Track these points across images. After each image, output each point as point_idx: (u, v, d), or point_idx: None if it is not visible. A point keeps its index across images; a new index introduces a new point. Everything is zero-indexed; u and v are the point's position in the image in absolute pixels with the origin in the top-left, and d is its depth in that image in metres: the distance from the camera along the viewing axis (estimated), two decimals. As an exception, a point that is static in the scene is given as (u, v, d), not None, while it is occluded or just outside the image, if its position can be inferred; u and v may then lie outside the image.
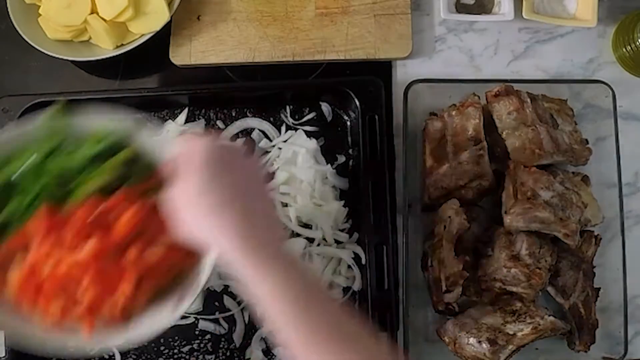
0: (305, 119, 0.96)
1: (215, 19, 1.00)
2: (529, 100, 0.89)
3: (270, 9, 1.00)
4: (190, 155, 0.61)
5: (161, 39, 0.98)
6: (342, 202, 0.92)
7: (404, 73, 1.00)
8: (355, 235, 0.92)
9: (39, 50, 0.92)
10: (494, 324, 0.84)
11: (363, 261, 0.89)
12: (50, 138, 0.70)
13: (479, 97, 0.91)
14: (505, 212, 0.85)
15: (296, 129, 0.95)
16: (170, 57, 0.99)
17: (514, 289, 0.85)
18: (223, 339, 0.90)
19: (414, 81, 0.94)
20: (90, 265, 0.63)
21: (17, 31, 0.93)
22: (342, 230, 0.92)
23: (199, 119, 0.96)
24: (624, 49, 0.97)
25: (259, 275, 0.57)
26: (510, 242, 0.85)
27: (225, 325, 0.90)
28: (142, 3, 0.93)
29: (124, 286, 0.64)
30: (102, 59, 0.94)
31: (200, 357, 0.89)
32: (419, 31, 1.01)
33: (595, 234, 0.91)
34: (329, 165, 0.94)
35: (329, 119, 0.97)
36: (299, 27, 0.99)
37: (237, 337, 0.90)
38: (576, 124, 0.93)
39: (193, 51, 0.99)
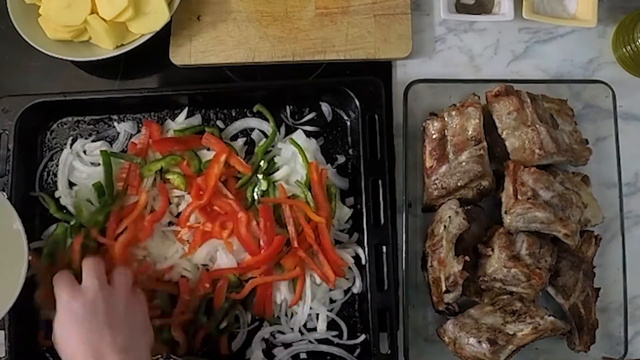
0: (305, 119, 0.96)
1: (215, 19, 1.00)
2: (529, 100, 0.89)
3: (270, 9, 1.00)
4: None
5: (161, 39, 0.98)
6: (349, 207, 0.93)
7: (404, 73, 1.00)
8: (355, 235, 0.92)
9: (39, 50, 0.92)
10: (494, 324, 0.84)
11: (363, 261, 0.89)
12: None
13: (479, 97, 0.91)
14: (505, 212, 0.85)
15: (296, 129, 0.95)
16: (170, 57, 0.99)
17: (514, 289, 0.85)
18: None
19: (414, 81, 0.94)
20: None
21: (17, 31, 0.93)
22: (342, 231, 0.92)
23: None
24: (624, 49, 0.97)
25: None
26: (510, 242, 0.85)
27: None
28: (142, 3, 0.93)
29: None
30: (102, 59, 0.94)
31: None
32: (419, 31, 1.01)
33: (595, 234, 0.91)
34: (329, 165, 0.94)
35: (329, 119, 0.97)
36: (299, 27, 0.99)
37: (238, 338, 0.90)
38: (576, 124, 0.93)
39: (193, 51, 0.99)
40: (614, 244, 0.92)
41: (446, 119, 0.91)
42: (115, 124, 0.96)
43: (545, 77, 1.00)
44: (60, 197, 0.92)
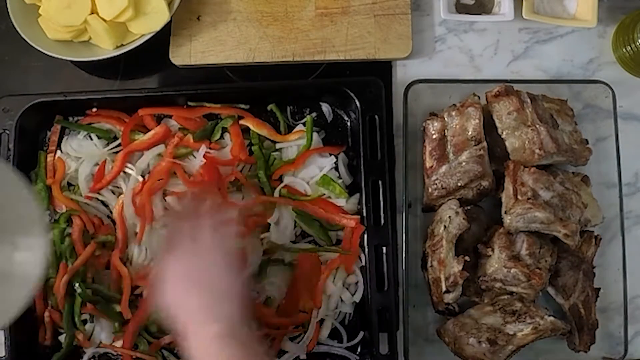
0: (305, 119, 0.96)
1: (215, 19, 1.00)
2: (529, 100, 0.89)
3: (270, 9, 1.00)
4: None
5: (161, 39, 0.98)
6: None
7: (404, 73, 1.00)
8: (355, 235, 0.92)
9: (39, 51, 0.92)
10: (494, 324, 0.84)
11: (363, 262, 0.89)
12: None
13: (479, 97, 0.91)
14: (505, 212, 0.85)
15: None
16: (170, 57, 0.99)
17: (514, 289, 0.85)
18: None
19: (414, 81, 0.94)
20: None
21: (17, 31, 0.93)
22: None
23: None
24: (624, 49, 0.97)
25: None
26: (510, 242, 0.85)
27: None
28: (142, 3, 0.93)
29: None
30: (102, 59, 0.94)
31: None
32: (419, 31, 1.01)
33: (595, 234, 0.91)
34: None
35: (329, 119, 0.96)
36: (299, 27, 0.99)
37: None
38: (576, 124, 0.93)
39: (193, 51, 0.99)
40: (614, 244, 0.92)
41: (446, 119, 0.91)
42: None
43: (545, 77, 1.00)
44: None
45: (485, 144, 0.88)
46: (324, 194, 0.91)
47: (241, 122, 0.94)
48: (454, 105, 0.92)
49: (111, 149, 0.94)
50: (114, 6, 0.91)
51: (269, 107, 0.95)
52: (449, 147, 0.90)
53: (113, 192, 0.93)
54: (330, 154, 0.93)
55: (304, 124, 0.95)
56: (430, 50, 1.01)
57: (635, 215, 0.96)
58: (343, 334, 0.90)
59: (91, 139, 0.94)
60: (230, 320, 0.68)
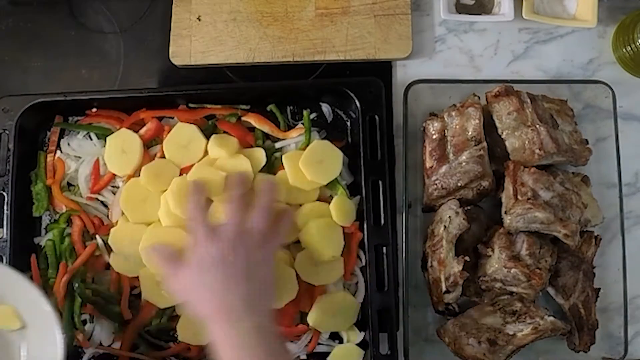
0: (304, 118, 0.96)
1: (215, 19, 1.00)
2: (529, 100, 0.89)
3: (270, 9, 1.00)
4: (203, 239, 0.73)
5: (161, 39, 0.98)
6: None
7: (404, 73, 1.00)
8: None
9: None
10: (494, 324, 0.84)
11: (363, 262, 0.89)
12: None
13: (479, 98, 0.91)
14: (506, 213, 0.85)
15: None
16: (170, 57, 0.99)
17: (514, 289, 0.85)
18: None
19: (414, 81, 0.94)
20: None
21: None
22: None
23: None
24: (624, 50, 0.97)
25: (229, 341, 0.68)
26: (510, 242, 0.85)
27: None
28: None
29: None
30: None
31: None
32: (419, 31, 1.01)
33: (595, 234, 0.91)
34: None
35: (329, 119, 0.96)
36: (299, 27, 0.99)
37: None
38: (576, 124, 0.93)
39: (193, 51, 0.99)
40: (614, 244, 0.92)
41: (446, 119, 0.91)
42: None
43: (545, 77, 1.00)
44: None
45: (485, 144, 0.88)
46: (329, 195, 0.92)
47: (243, 118, 0.94)
48: (454, 105, 0.92)
49: (111, 148, 0.94)
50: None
51: (268, 108, 0.95)
52: (449, 147, 0.90)
53: (113, 193, 0.92)
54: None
55: (304, 124, 0.95)
56: (430, 50, 1.01)
57: (635, 215, 0.96)
58: (343, 334, 0.90)
59: (91, 139, 0.94)
60: (269, 314, 0.71)
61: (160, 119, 0.94)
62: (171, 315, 0.88)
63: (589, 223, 0.90)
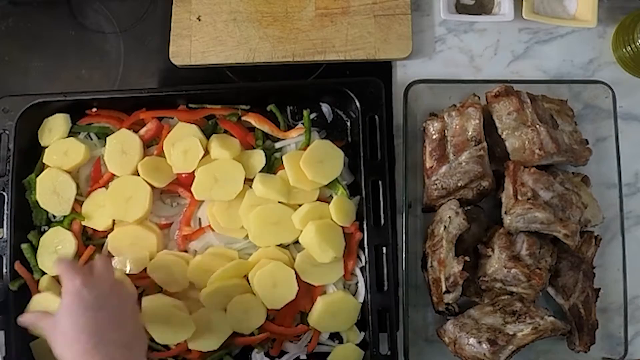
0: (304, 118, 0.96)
1: (215, 19, 1.00)
2: (528, 100, 0.89)
3: (270, 10, 1.00)
4: (67, 297, 0.73)
5: (161, 39, 0.98)
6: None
7: (404, 73, 1.00)
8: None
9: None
10: (494, 324, 0.84)
11: (363, 262, 0.89)
12: None
13: (479, 98, 0.91)
14: (506, 213, 0.85)
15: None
16: (170, 57, 0.99)
17: (514, 289, 0.85)
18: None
19: (414, 81, 0.94)
20: None
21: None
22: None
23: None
24: (624, 50, 0.97)
25: None
26: (510, 242, 0.85)
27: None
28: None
29: None
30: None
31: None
32: (419, 31, 1.01)
33: (595, 234, 0.91)
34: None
35: (329, 119, 0.96)
36: (299, 27, 0.99)
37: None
38: (576, 124, 0.93)
39: (193, 51, 0.99)
40: (614, 244, 0.92)
41: (446, 119, 0.91)
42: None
43: (545, 77, 1.00)
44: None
45: (485, 144, 0.88)
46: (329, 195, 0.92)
47: (244, 117, 0.94)
48: (454, 105, 0.92)
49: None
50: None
51: (268, 108, 0.95)
52: (449, 147, 0.90)
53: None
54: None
55: (304, 124, 0.95)
56: (430, 50, 1.01)
57: (635, 215, 0.96)
58: (343, 334, 0.90)
59: (91, 139, 0.94)
60: None
61: (160, 119, 0.94)
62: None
63: (589, 223, 0.90)
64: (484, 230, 0.90)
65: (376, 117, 0.91)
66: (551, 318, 0.83)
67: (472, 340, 0.82)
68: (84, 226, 0.91)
